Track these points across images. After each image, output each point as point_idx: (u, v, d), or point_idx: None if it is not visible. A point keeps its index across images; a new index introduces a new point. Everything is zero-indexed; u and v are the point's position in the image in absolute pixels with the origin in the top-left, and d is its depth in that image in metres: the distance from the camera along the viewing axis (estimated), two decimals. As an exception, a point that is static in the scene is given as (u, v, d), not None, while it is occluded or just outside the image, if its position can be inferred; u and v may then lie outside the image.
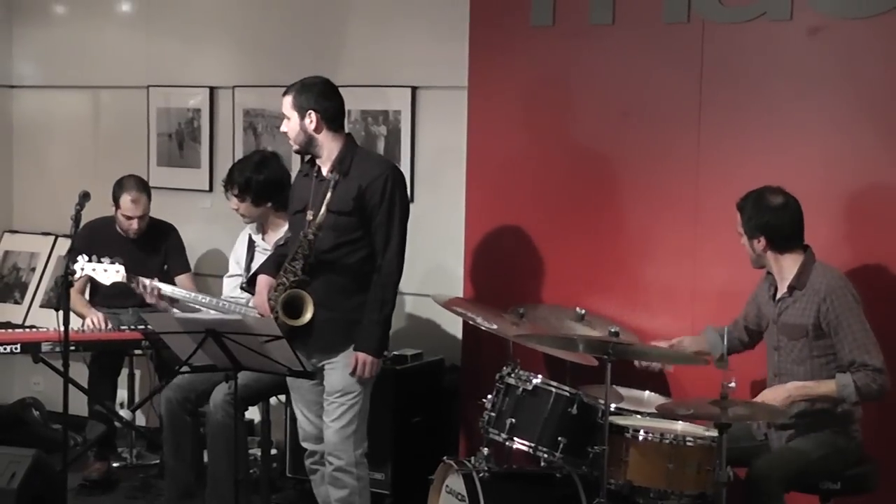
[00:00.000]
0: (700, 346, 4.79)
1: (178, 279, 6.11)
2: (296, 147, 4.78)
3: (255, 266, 5.55)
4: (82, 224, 5.30)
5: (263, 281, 4.78)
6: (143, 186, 6.14)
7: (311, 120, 4.69)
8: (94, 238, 6.01)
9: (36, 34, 7.40)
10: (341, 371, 4.67)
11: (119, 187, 6.09)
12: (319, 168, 4.75)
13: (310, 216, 4.62)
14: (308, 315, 4.61)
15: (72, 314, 5.21)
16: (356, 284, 4.66)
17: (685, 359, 4.75)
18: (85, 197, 5.13)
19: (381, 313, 4.66)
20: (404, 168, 6.05)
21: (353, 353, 4.64)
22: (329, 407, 4.69)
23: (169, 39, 6.95)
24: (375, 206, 4.64)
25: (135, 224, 6.08)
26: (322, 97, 4.72)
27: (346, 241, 4.63)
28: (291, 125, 4.73)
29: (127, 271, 5.60)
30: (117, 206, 6.08)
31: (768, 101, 5.06)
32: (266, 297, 4.70)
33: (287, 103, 4.74)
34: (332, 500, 4.75)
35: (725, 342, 4.59)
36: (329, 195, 4.54)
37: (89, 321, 5.87)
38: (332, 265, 4.63)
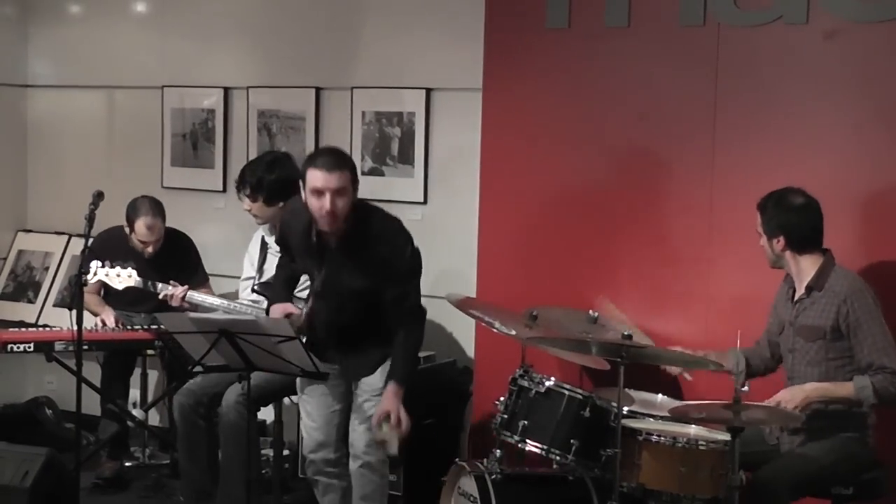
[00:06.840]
0: (722, 362, 4.74)
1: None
2: (342, 224, 4.49)
3: (267, 268, 5.57)
4: (96, 233, 5.26)
5: (279, 309, 4.68)
6: (159, 210, 6.00)
7: (357, 188, 4.56)
8: (108, 250, 5.84)
9: (51, 34, 7.41)
10: (380, 373, 4.64)
11: (134, 211, 5.96)
12: (319, 233, 4.55)
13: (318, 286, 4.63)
14: None
15: (85, 313, 5.21)
16: (384, 320, 4.62)
17: (697, 362, 4.73)
18: (99, 196, 5.13)
19: (416, 350, 4.65)
20: (418, 170, 6.06)
21: (388, 386, 4.56)
22: (365, 404, 4.64)
23: (183, 40, 6.97)
24: (393, 275, 4.54)
25: (150, 248, 5.97)
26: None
27: (371, 302, 4.58)
28: (348, 199, 4.48)
29: (140, 276, 5.61)
30: (132, 229, 5.95)
31: (784, 104, 5.05)
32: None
33: (345, 178, 4.44)
34: (356, 498, 4.73)
35: (740, 349, 4.57)
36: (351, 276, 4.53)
37: (99, 320, 5.87)
38: (359, 321, 4.62)
